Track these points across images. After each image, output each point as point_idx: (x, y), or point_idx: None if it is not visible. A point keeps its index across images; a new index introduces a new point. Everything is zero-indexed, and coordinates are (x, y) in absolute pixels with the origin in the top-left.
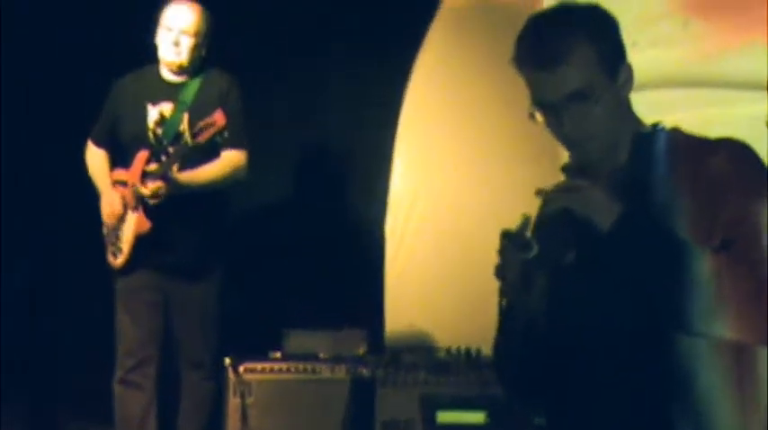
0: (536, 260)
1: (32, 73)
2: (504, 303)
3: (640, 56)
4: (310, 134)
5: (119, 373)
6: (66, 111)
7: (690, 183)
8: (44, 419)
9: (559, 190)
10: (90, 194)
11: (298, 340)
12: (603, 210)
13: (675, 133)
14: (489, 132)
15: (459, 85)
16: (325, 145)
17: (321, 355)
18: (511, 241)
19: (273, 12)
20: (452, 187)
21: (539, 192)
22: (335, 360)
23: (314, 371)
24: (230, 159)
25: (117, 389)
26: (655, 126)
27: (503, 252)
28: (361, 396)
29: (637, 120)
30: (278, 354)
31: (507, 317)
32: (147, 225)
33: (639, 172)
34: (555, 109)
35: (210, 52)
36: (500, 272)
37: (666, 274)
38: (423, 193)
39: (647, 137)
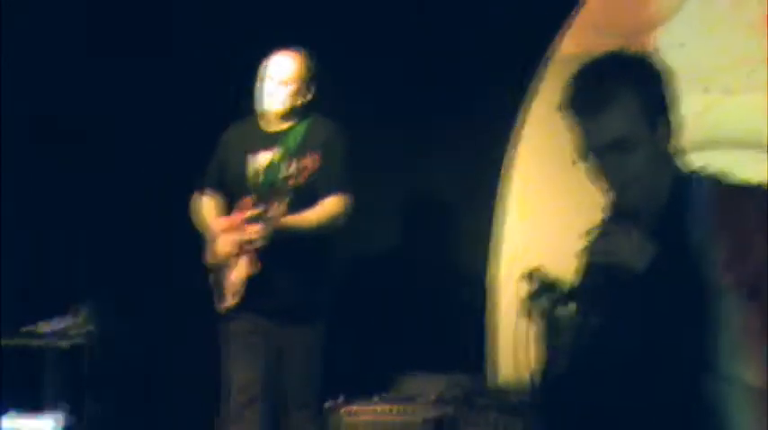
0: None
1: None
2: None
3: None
4: (416, 181)
5: (225, 413)
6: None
7: (722, 227)
8: None
9: (597, 235)
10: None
11: (410, 383)
12: (638, 252)
13: (712, 179)
14: None
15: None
16: (431, 192)
17: (418, 398)
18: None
19: (381, 59)
20: (562, 238)
21: (579, 240)
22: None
23: (398, 412)
24: (330, 204)
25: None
26: (693, 172)
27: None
28: None
29: (677, 168)
30: (377, 398)
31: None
32: (255, 268)
33: (677, 216)
34: (595, 156)
35: (320, 100)
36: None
37: (696, 316)
38: (532, 244)
39: (686, 183)
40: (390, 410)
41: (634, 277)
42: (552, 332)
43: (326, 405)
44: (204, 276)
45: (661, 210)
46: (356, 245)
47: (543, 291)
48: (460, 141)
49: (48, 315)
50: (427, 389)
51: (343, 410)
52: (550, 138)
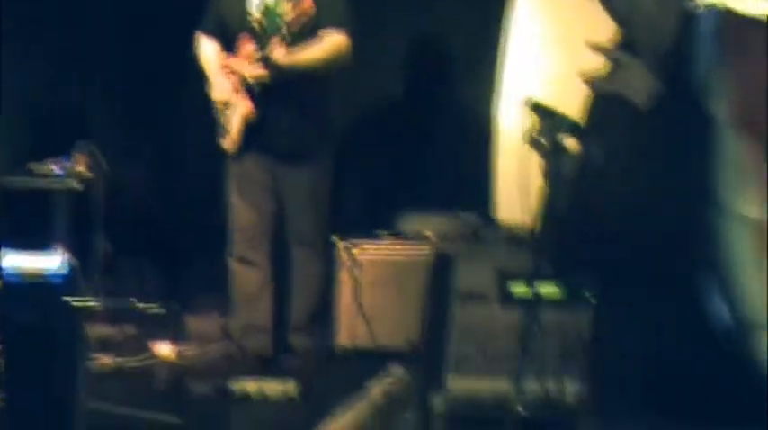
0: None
1: None
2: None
3: None
4: (420, 25)
5: (234, 252)
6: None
7: (733, 61)
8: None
9: (604, 67)
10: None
11: (416, 221)
12: (642, 88)
13: (725, 12)
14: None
15: None
16: (435, 35)
17: (428, 235)
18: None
19: None
20: (566, 74)
21: (583, 75)
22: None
23: (408, 249)
24: (330, 41)
25: (233, 266)
26: (700, 8)
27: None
28: (443, 270)
29: (684, 3)
30: (386, 233)
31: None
32: (251, 110)
33: (682, 50)
34: None
35: None
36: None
37: (699, 151)
38: (535, 80)
39: (696, 17)
40: (397, 247)
41: (638, 109)
42: (555, 162)
43: (332, 241)
44: (212, 117)
45: (667, 44)
46: (362, 89)
47: (546, 119)
48: None
49: (55, 153)
50: (433, 226)
51: (349, 247)
52: None
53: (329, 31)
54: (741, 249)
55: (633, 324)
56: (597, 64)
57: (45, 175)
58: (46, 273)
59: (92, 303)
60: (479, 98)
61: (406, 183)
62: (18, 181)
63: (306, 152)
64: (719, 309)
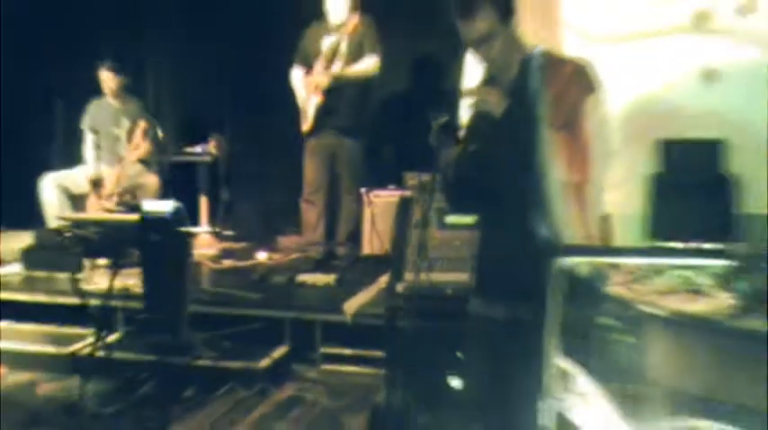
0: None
1: None
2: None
3: None
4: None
5: (303, 196)
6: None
7: (549, 85)
8: (271, 222)
9: (474, 93)
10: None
11: (406, 178)
12: (497, 105)
13: (544, 53)
14: None
15: None
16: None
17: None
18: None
19: None
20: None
21: (464, 92)
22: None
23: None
24: (368, 61)
25: (302, 205)
26: (533, 50)
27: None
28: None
29: (525, 48)
30: (391, 186)
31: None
32: (321, 103)
33: (522, 81)
34: (472, 46)
35: None
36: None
37: (530, 139)
38: None
39: (528, 58)
40: (396, 193)
41: (496, 119)
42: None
43: (361, 191)
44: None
45: (513, 77)
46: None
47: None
48: None
49: (197, 140)
50: (415, 180)
51: (369, 194)
52: None
53: (369, 55)
54: (555, 196)
55: (498, 236)
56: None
57: (192, 154)
58: (165, 212)
59: (192, 229)
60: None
61: (406, 155)
62: (178, 157)
63: (351, 132)
64: (543, 227)
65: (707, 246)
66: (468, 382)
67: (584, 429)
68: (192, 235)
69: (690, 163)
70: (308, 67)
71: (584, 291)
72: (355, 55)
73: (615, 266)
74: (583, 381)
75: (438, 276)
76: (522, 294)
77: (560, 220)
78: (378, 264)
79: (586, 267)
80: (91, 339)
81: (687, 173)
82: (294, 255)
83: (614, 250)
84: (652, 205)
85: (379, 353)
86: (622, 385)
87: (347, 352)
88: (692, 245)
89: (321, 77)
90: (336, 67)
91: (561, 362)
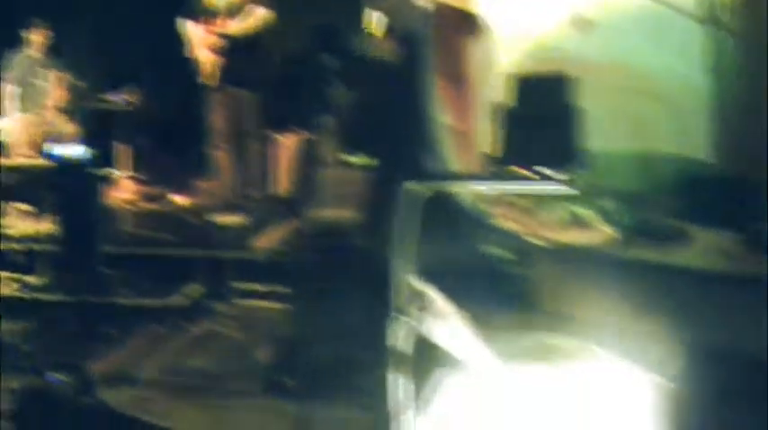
0: None
1: None
2: None
3: None
4: None
5: (212, 142)
6: None
7: (438, 34)
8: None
9: (370, 41)
10: None
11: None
12: (390, 52)
13: (435, 3)
14: None
15: None
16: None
17: None
18: None
19: None
20: None
21: (360, 41)
22: None
23: None
24: (258, 15)
25: (212, 151)
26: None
27: None
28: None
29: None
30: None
31: None
32: (213, 59)
33: (413, 30)
34: None
35: None
36: None
37: (419, 86)
38: None
39: (420, 8)
40: None
41: (388, 65)
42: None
43: (268, 134)
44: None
45: (405, 26)
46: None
47: None
48: None
49: (114, 90)
50: None
51: (276, 137)
52: None
53: (258, 8)
54: (441, 138)
55: (386, 175)
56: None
57: (109, 102)
58: (81, 157)
59: (107, 173)
60: None
61: (307, 100)
62: (94, 105)
63: (249, 83)
64: (433, 160)
65: (550, 173)
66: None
67: (442, 349)
68: (106, 179)
69: (538, 96)
70: (205, 20)
71: (468, 222)
72: (247, 9)
73: (504, 200)
74: (442, 303)
75: (336, 213)
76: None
77: (446, 161)
78: (285, 203)
79: (471, 198)
80: (13, 283)
81: (534, 105)
82: (207, 198)
83: (465, 176)
84: (501, 134)
85: (286, 288)
86: (499, 309)
87: (258, 287)
88: (538, 172)
89: (215, 31)
90: (229, 22)
91: (420, 284)
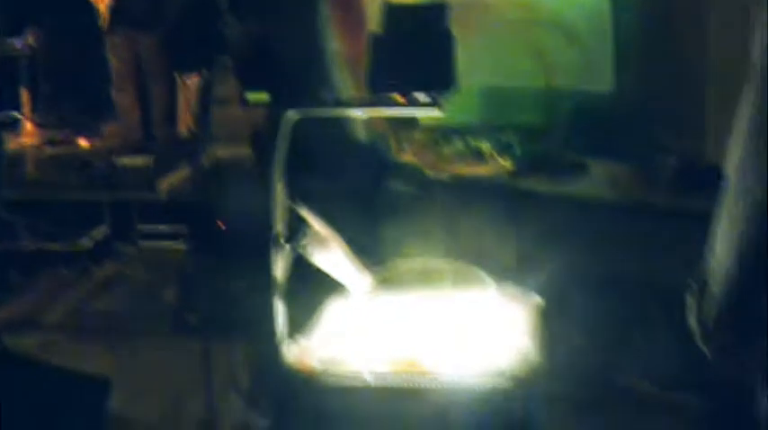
0: None
1: None
2: None
3: None
4: None
5: (114, 85)
6: None
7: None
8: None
9: None
10: None
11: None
12: None
13: None
14: None
15: None
16: None
17: None
18: None
19: None
20: None
21: None
22: None
23: None
24: None
25: (115, 94)
26: None
27: None
28: None
29: None
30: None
31: None
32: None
33: None
34: None
35: None
36: None
37: (310, 15)
38: None
39: None
40: None
41: None
42: None
43: (175, 75)
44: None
45: None
46: None
47: None
48: None
49: (15, 34)
50: None
51: (183, 78)
52: None
53: None
54: (333, 65)
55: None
56: None
57: (10, 47)
58: None
59: (4, 118)
60: None
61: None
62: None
63: (148, 26)
64: (329, 89)
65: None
66: None
67: (323, 274)
68: (9, 124)
69: (412, 24)
70: None
71: (370, 156)
72: None
73: (405, 136)
74: (321, 229)
75: (237, 151)
76: None
77: (340, 89)
78: (192, 143)
79: (370, 134)
80: None
81: (408, 33)
82: (113, 140)
83: (346, 102)
84: (372, 61)
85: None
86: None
87: (162, 228)
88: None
89: None
90: None
91: (299, 210)
